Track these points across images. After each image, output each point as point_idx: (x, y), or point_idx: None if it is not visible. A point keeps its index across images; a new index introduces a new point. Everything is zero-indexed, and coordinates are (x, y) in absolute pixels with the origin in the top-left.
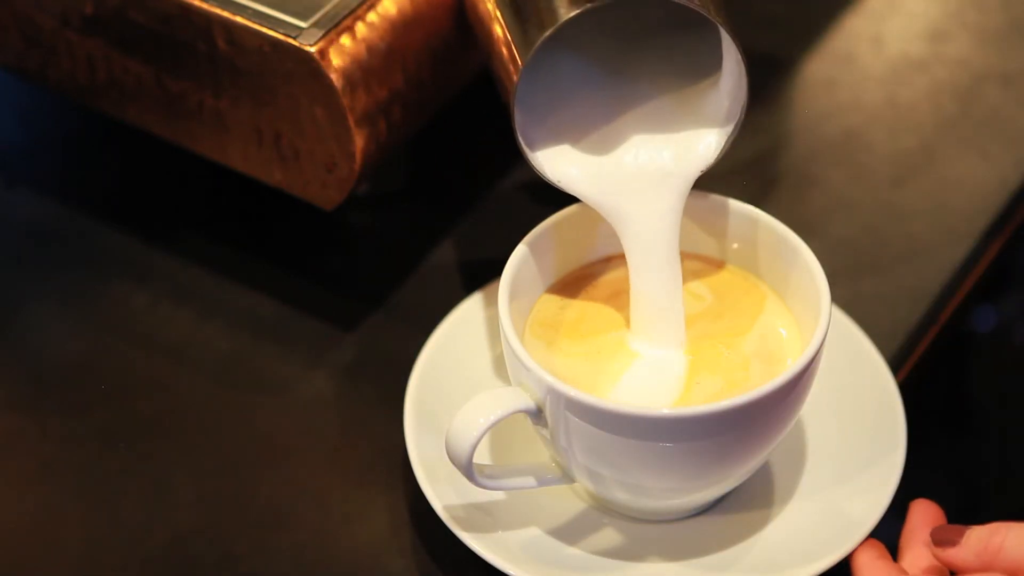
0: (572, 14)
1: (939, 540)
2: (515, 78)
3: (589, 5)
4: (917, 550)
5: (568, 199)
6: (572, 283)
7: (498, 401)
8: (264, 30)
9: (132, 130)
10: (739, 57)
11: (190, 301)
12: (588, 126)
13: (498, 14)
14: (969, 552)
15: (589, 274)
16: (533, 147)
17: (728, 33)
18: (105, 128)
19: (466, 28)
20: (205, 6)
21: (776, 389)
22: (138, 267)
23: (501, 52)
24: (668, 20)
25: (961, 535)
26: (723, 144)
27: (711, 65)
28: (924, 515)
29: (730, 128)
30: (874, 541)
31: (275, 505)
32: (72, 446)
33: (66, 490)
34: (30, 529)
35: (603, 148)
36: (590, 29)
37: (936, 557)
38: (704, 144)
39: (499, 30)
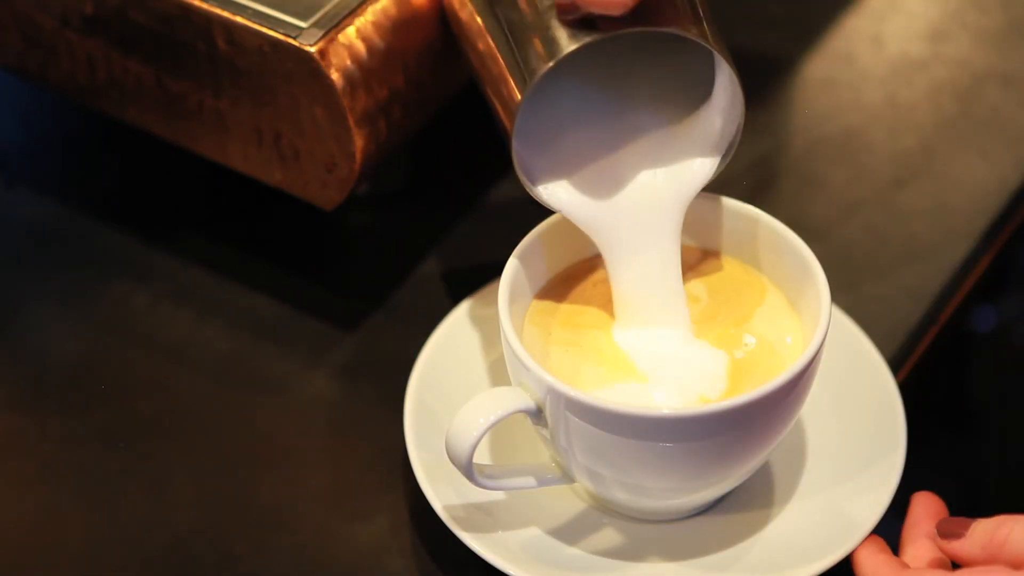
0: (573, 47)
1: (944, 533)
2: (514, 111)
3: (588, 39)
4: (920, 543)
5: None
6: (574, 275)
7: (498, 401)
8: (264, 30)
9: (132, 130)
10: (735, 78)
11: (190, 301)
12: (583, 149)
13: (490, 39)
14: (974, 545)
15: (592, 267)
16: (530, 173)
17: (724, 59)
18: (105, 128)
19: None
20: (205, 6)
21: (776, 389)
22: (138, 267)
23: (494, 80)
24: (664, 44)
25: (966, 528)
26: (719, 164)
27: (707, 85)
28: (926, 507)
29: (726, 147)
30: (875, 537)
31: (275, 505)
32: (72, 446)
33: (66, 490)
34: (30, 529)
35: (598, 172)
36: (586, 53)
37: (941, 549)
38: (700, 163)
39: (492, 56)
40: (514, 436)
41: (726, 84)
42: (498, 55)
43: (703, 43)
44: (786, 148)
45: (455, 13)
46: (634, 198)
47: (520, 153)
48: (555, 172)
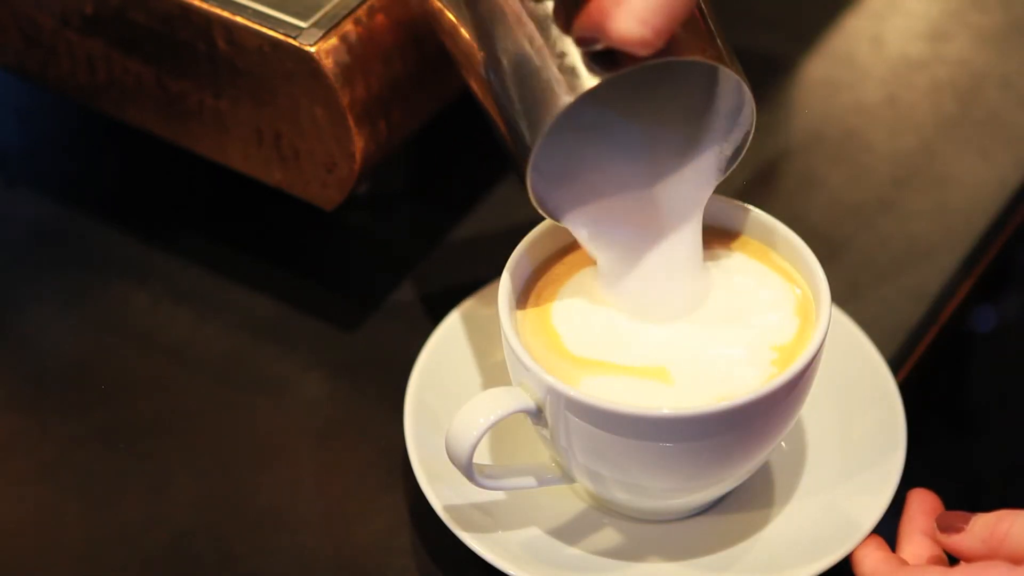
0: (595, 83)
1: (944, 527)
2: (529, 146)
3: (610, 75)
4: (917, 540)
5: None
6: (567, 263)
7: (498, 401)
8: (264, 30)
9: (132, 130)
10: (745, 89)
11: (190, 301)
12: (590, 162)
13: (494, 71)
14: (975, 539)
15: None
16: (539, 192)
17: (738, 75)
18: (105, 128)
19: None
20: (205, 6)
21: (776, 389)
22: (138, 267)
23: (503, 111)
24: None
25: (966, 522)
26: (727, 168)
27: (712, 89)
28: (921, 504)
29: (732, 151)
30: (874, 535)
31: (275, 505)
32: (72, 446)
33: (66, 490)
34: (30, 529)
35: (608, 184)
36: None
37: (940, 544)
38: (708, 168)
39: (498, 86)
40: (514, 436)
41: (735, 93)
42: (504, 86)
43: (721, 65)
44: (786, 148)
45: (451, 39)
46: (647, 209)
47: (536, 182)
48: (565, 191)
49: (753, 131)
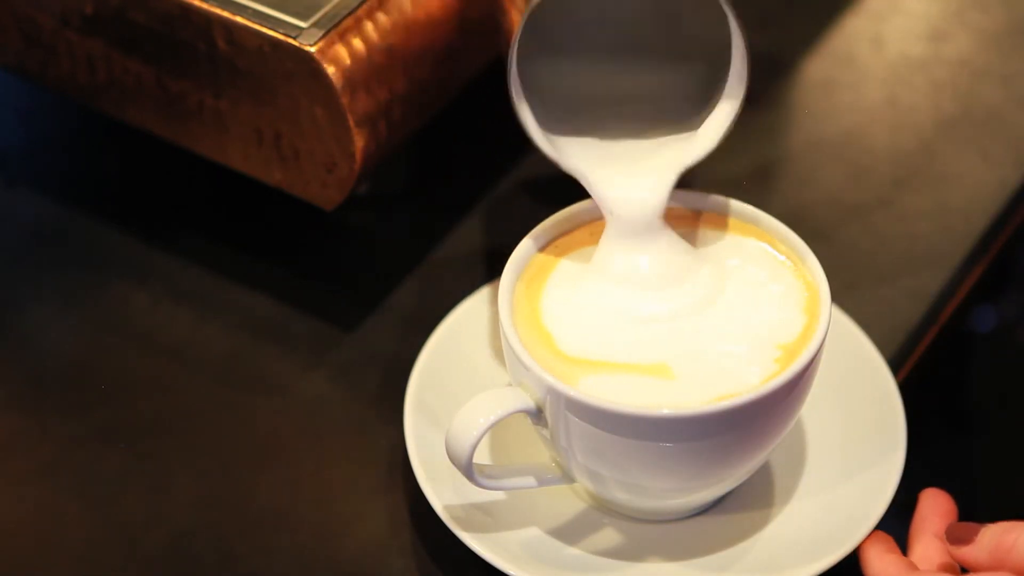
0: None
1: (954, 538)
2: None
3: None
4: (927, 542)
5: (568, 199)
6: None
7: (498, 401)
8: (264, 30)
9: (132, 130)
10: (741, 38)
11: (190, 301)
12: (587, 102)
13: None
14: (982, 550)
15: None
16: (532, 118)
17: (732, 14)
18: (105, 128)
19: (467, 28)
20: (205, 6)
21: (776, 389)
22: (138, 267)
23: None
24: (678, 29)
25: (976, 533)
26: (722, 130)
27: (712, 49)
28: (934, 505)
29: (728, 110)
30: (883, 534)
31: (275, 505)
32: (72, 446)
33: (66, 490)
34: (30, 529)
35: (600, 126)
36: (593, 19)
37: (951, 555)
38: (703, 128)
39: None
40: (514, 436)
41: (732, 45)
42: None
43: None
44: (786, 148)
45: None
46: (631, 156)
47: (538, 113)
48: (557, 118)
49: (748, 86)
